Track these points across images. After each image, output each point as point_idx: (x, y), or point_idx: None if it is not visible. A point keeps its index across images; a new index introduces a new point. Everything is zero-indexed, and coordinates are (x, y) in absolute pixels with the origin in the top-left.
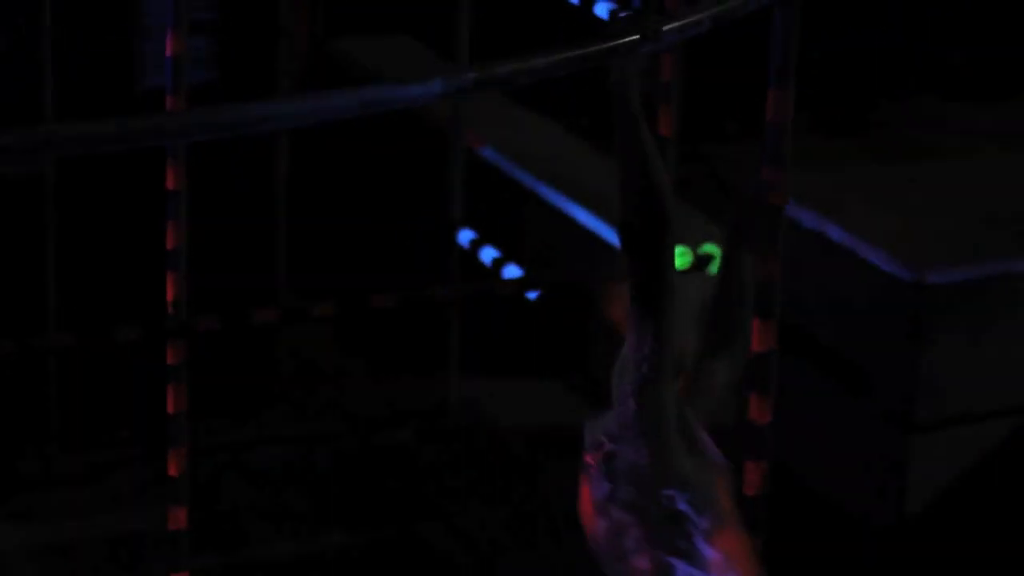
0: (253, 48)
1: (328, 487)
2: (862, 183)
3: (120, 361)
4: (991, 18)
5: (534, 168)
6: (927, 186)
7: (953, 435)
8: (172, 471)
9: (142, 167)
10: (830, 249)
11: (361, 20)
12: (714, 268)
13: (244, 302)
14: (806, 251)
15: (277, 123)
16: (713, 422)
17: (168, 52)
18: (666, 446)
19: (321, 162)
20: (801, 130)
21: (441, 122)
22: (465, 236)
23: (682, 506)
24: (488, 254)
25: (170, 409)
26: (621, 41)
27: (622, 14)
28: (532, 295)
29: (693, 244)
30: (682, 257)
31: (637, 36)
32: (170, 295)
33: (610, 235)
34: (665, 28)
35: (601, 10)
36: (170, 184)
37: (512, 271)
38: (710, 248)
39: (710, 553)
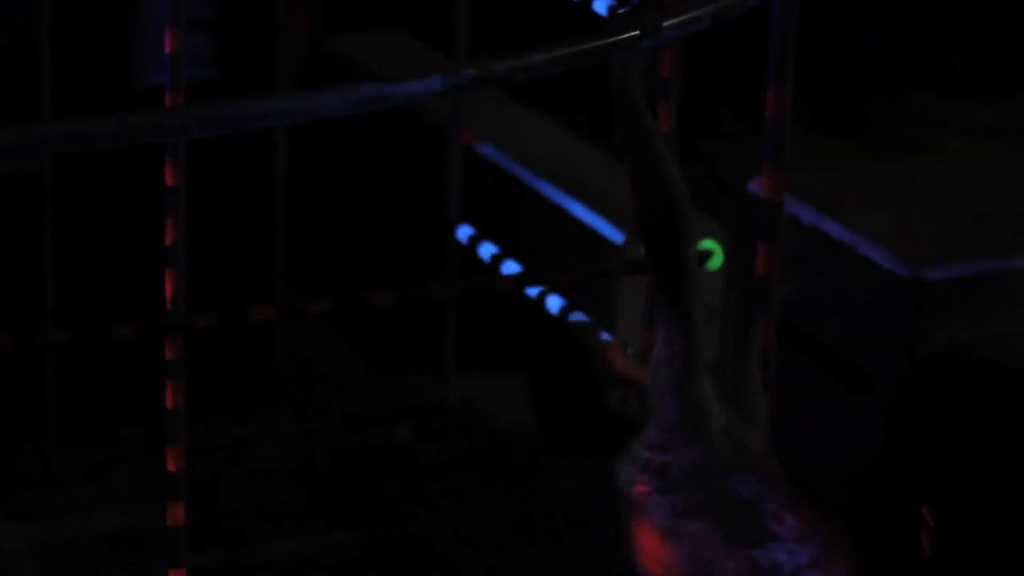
0: (252, 46)
1: (327, 485)
2: (861, 181)
3: (118, 358)
4: (991, 18)
5: (533, 164)
6: (926, 184)
7: (952, 433)
8: (170, 467)
9: (140, 164)
10: (829, 245)
11: (360, 18)
12: (713, 264)
13: (242, 299)
14: (806, 247)
15: (276, 120)
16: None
17: (167, 49)
18: (716, 435)
19: (320, 159)
20: (801, 129)
21: (439, 119)
22: (464, 232)
23: (750, 490)
24: (487, 250)
25: (168, 405)
26: (620, 37)
27: (621, 10)
28: (532, 292)
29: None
30: (715, 258)
31: (637, 32)
32: (168, 292)
33: (609, 231)
34: (665, 24)
35: (600, 6)
36: (169, 181)
37: (511, 267)
38: (709, 244)
39: (793, 523)
